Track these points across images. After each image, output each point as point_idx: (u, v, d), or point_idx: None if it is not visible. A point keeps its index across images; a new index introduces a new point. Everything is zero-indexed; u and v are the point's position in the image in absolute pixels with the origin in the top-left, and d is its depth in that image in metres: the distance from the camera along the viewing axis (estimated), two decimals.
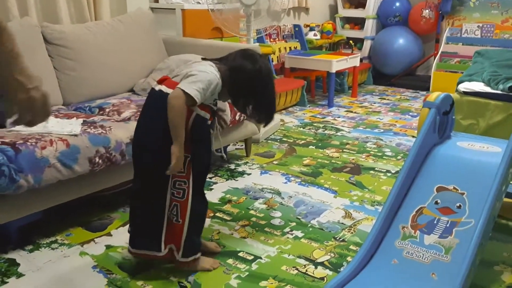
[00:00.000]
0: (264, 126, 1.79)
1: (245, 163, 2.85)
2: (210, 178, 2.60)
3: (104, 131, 2.01)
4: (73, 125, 2.00)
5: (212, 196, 2.37)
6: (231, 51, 1.74)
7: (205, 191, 2.41)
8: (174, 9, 3.17)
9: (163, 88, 1.60)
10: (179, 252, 1.68)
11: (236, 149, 3.12)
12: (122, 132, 2.06)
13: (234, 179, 2.61)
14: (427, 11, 4.69)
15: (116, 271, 1.76)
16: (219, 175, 2.66)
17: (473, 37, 4.76)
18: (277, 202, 2.33)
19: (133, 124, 2.12)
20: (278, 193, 2.43)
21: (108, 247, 1.93)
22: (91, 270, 1.77)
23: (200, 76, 1.56)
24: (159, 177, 1.61)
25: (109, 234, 2.03)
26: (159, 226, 1.66)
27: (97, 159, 1.94)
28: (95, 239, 1.98)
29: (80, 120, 2.08)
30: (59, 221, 2.10)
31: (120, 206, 2.26)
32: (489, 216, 1.55)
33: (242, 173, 2.69)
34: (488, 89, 2.97)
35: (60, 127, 1.97)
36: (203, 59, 1.72)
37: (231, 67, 1.66)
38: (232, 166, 2.80)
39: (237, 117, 2.59)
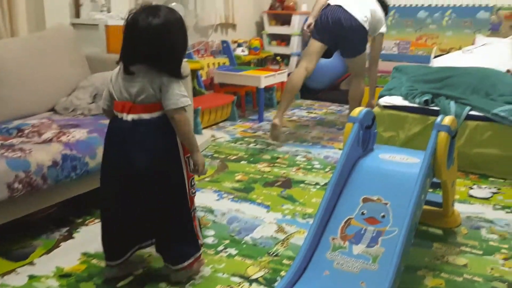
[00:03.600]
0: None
1: None
2: None
3: (23, 154, 1.90)
4: None
5: None
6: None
7: None
8: (97, 25, 3.08)
9: (144, 116, 1.59)
10: (200, 237, 1.83)
11: None
12: (44, 154, 1.95)
13: None
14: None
15: None
16: None
17: (391, 53, 5.06)
18: (210, 220, 2.31)
19: (55, 146, 2.03)
20: (211, 211, 2.41)
21: (31, 277, 1.81)
22: None
23: (179, 84, 1.61)
24: (181, 188, 1.69)
25: (31, 263, 1.90)
26: (191, 229, 1.75)
27: (16, 185, 1.82)
28: (16, 269, 1.85)
29: None
30: None
31: (42, 232, 2.13)
32: (410, 224, 1.64)
33: None
34: (406, 103, 3.17)
35: None
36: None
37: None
38: None
39: None
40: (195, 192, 1.77)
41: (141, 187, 1.63)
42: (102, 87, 2.59)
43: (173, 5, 2.98)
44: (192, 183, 1.74)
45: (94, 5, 3.28)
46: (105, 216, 1.75)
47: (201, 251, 1.79)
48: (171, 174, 1.66)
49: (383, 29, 3.79)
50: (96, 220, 2.25)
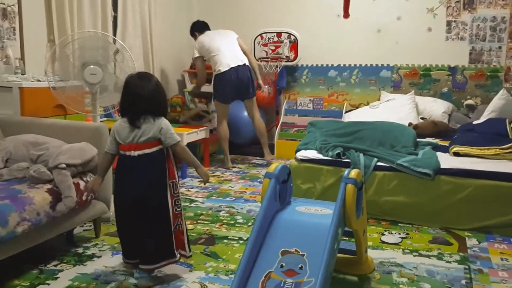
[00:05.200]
0: None
1: (95, 245, 2.71)
2: (55, 265, 2.41)
3: None
4: None
5: (58, 285, 2.20)
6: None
7: (49, 281, 2.26)
8: (11, 87, 2.99)
9: (147, 151, 2.15)
10: (186, 250, 2.31)
11: (84, 230, 2.96)
12: None
13: (83, 264, 2.46)
14: (266, 86, 5.18)
15: None
16: (65, 261, 2.48)
17: (306, 109, 5.37)
18: (131, 284, 2.25)
19: None
20: (131, 274, 2.35)
21: None
22: None
23: (170, 125, 2.20)
24: (164, 207, 2.18)
25: None
26: (170, 240, 2.21)
27: None
28: None
29: None
30: None
31: None
32: (325, 273, 1.73)
33: (91, 257, 2.55)
34: (320, 156, 3.36)
35: None
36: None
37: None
38: (80, 250, 2.64)
39: (84, 197, 2.49)
40: (180, 210, 2.26)
41: (139, 205, 2.13)
42: (15, 150, 2.50)
43: (91, 67, 2.99)
44: (177, 203, 2.25)
45: (7, 67, 3.20)
46: (118, 225, 2.27)
47: (175, 259, 2.23)
48: (159, 196, 2.17)
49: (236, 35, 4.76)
50: None
